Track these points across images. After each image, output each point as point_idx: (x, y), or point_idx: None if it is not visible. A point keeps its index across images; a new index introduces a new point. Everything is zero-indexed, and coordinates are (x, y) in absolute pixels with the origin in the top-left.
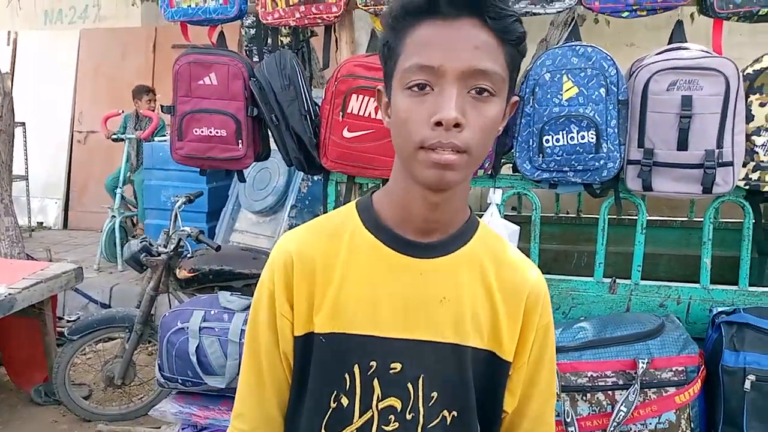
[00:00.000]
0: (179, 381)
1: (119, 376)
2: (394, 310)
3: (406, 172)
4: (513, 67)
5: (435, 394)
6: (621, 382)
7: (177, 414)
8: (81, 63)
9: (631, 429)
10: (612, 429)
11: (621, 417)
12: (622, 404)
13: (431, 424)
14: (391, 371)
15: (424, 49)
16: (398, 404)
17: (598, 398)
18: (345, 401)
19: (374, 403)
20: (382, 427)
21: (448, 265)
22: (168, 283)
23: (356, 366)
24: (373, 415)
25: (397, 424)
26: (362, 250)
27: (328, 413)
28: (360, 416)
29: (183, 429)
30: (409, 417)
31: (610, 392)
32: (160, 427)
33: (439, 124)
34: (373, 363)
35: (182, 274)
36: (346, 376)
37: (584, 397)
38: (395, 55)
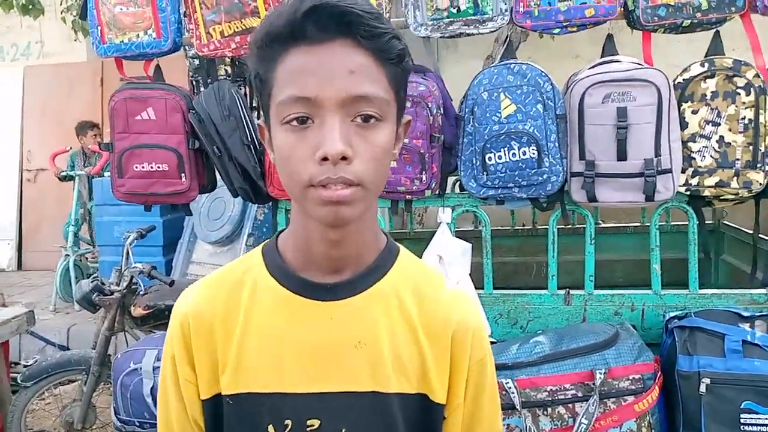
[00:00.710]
0: (136, 423)
1: (79, 420)
2: (302, 361)
3: (301, 210)
4: (398, 87)
5: None
6: (580, 394)
7: None
8: (26, 100)
9: None
10: None
11: (583, 429)
12: (582, 416)
13: None
14: (308, 429)
15: (296, 79)
16: None
17: (559, 412)
18: None
19: None
20: None
21: (361, 305)
22: (123, 321)
23: (270, 426)
24: None
25: None
26: (265, 299)
27: None
28: None
29: None
30: None
31: (570, 405)
32: None
33: (325, 159)
34: (288, 421)
35: (137, 311)
36: None
37: (545, 412)
38: (268, 87)
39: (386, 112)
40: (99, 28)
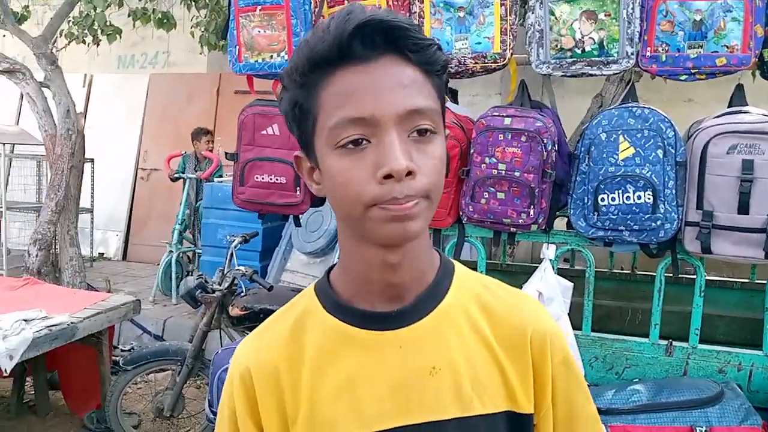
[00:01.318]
0: None
1: (169, 408)
2: (378, 397)
3: (357, 237)
4: (442, 97)
5: None
6: None
7: None
8: (149, 105)
9: None
10: None
11: None
12: None
13: None
14: None
15: (349, 101)
16: None
17: None
18: None
19: None
20: None
21: (429, 328)
22: (220, 319)
23: None
24: None
25: None
26: (329, 339)
27: None
28: None
29: None
30: None
31: None
32: None
33: (388, 176)
34: None
35: (234, 311)
36: None
37: None
38: (311, 115)
39: (438, 124)
40: (237, 47)
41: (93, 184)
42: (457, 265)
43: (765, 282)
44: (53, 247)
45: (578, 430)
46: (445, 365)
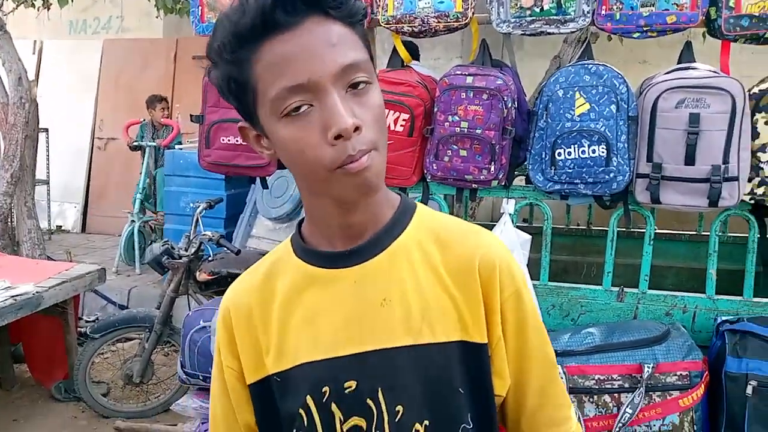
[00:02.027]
0: (200, 377)
1: (138, 374)
2: (334, 327)
3: (317, 193)
4: (368, 46)
5: (400, 408)
6: (627, 385)
7: (197, 409)
8: (103, 72)
9: (635, 430)
10: (617, 430)
11: (626, 418)
12: (627, 406)
13: None
14: (346, 391)
15: (284, 70)
16: (363, 423)
17: (604, 400)
18: None
19: (338, 427)
20: None
21: (382, 264)
22: (188, 285)
23: (308, 397)
24: None
25: None
26: (295, 279)
27: None
28: None
29: (202, 423)
30: None
31: (616, 395)
32: (176, 424)
33: (339, 137)
34: (326, 389)
35: (202, 276)
36: (301, 411)
37: (591, 399)
38: (249, 87)
39: (371, 72)
40: (200, 8)
41: (48, 155)
42: (420, 206)
43: (709, 234)
44: (10, 219)
45: (530, 368)
46: (396, 297)
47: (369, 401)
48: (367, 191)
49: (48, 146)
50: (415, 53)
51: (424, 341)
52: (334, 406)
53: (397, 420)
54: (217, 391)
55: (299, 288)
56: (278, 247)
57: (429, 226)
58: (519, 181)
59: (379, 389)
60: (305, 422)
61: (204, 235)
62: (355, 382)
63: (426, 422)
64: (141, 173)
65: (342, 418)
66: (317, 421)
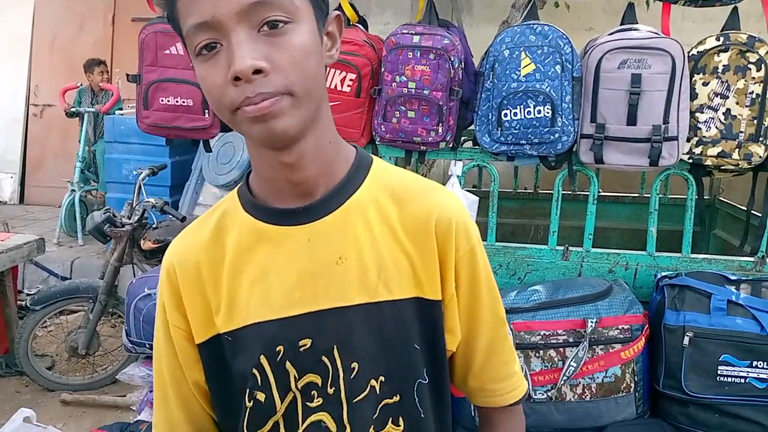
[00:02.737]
0: (147, 346)
1: (83, 346)
2: (287, 285)
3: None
4: None
5: (355, 365)
6: (571, 340)
7: (144, 377)
8: (36, 34)
9: (580, 382)
10: (562, 383)
11: (571, 371)
12: (572, 360)
13: (357, 398)
14: (301, 349)
15: (192, 6)
16: (318, 380)
17: (550, 355)
18: (261, 396)
19: (293, 384)
20: (307, 404)
21: (337, 221)
22: (132, 254)
23: (262, 357)
24: (295, 396)
25: (320, 400)
26: (245, 236)
27: (246, 414)
28: (281, 402)
29: (150, 392)
30: (330, 391)
31: (561, 349)
32: (125, 395)
33: (237, 78)
34: (280, 348)
35: (147, 245)
36: (254, 371)
37: (537, 354)
38: (177, 24)
39: (296, 13)
40: None
41: None
42: (377, 161)
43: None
44: None
45: (480, 324)
46: (352, 255)
47: (324, 359)
48: (274, 140)
49: None
50: (363, 25)
51: (379, 299)
52: (288, 364)
53: (352, 377)
54: (162, 351)
55: (249, 245)
56: (223, 199)
57: (385, 182)
58: (468, 144)
59: (335, 347)
60: (259, 381)
61: (147, 202)
62: (310, 341)
63: (381, 378)
64: (80, 141)
65: (297, 376)
66: (271, 379)
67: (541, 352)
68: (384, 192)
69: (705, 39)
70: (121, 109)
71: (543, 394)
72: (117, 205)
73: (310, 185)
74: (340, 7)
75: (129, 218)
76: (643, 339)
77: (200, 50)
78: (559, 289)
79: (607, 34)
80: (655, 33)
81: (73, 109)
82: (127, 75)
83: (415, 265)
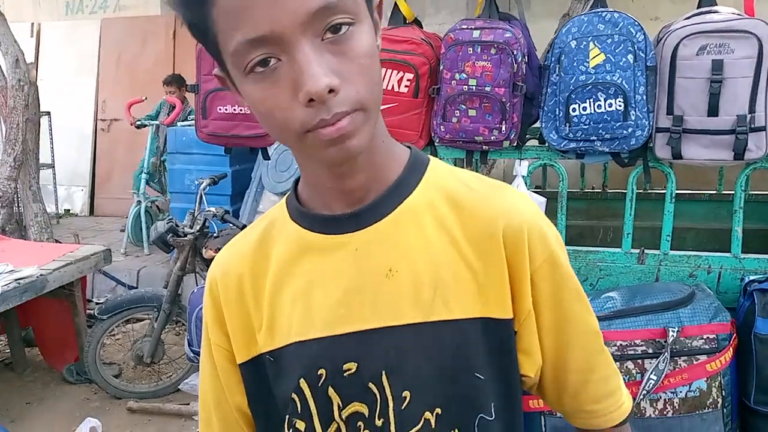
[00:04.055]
0: None
1: (148, 354)
2: (332, 301)
3: (302, 154)
4: None
5: (407, 394)
6: (651, 351)
7: None
8: (103, 52)
9: (661, 397)
10: (642, 397)
11: (651, 385)
12: (651, 372)
13: (410, 431)
14: (345, 374)
15: (241, 19)
16: (364, 409)
17: (627, 367)
18: (301, 425)
19: (336, 413)
20: None
21: (387, 229)
22: (194, 263)
23: (302, 380)
24: (339, 427)
25: None
26: (290, 246)
27: None
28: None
29: None
30: (379, 423)
31: (639, 361)
32: (189, 403)
33: (311, 100)
34: (322, 371)
35: (208, 253)
36: (294, 396)
37: None
38: (210, 36)
39: (356, 10)
40: None
41: (52, 139)
42: (434, 161)
43: (731, 192)
44: (16, 204)
45: (571, 340)
46: (404, 267)
47: (371, 385)
48: (349, 159)
49: (51, 130)
50: (418, 26)
51: (436, 318)
52: (331, 391)
53: (403, 407)
54: (206, 371)
55: (294, 256)
56: (273, 208)
57: (443, 184)
58: (532, 142)
59: (383, 372)
60: (299, 408)
61: (208, 211)
62: (356, 364)
63: (438, 410)
64: (146, 152)
65: (341, 404)
66: (312, 407)
67: (618, 363)
68: (442, 195)
69: None
70: (187, 120)
71: None
72: (180, 214)
73: (363, 191)
74: (396, 5)
75: (191, 227)
76: (731, 350)
77: (253, 67)
78: (636, 295)
79: (683, 18)
80: (738, 14)
81: (140, 122)
82: (186, 85)
83: (479, 279)
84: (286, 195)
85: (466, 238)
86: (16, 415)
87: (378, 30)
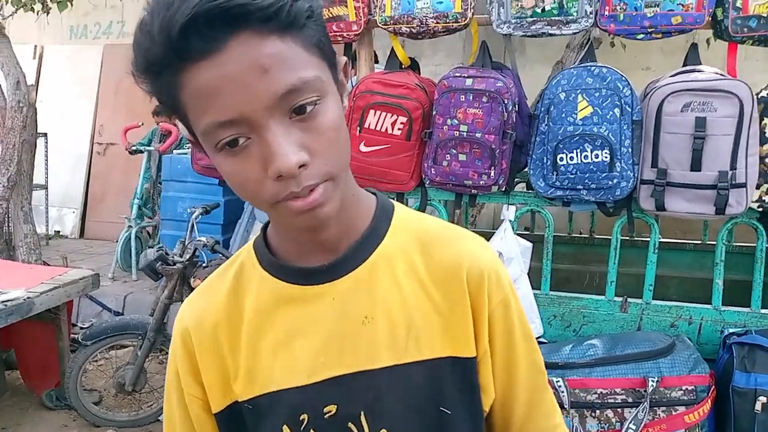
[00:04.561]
0: None
1: (130, 382)
2: (312, 350)
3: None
4: (320, 44)
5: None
6: (630, 400)
7: None
8: (103, 77)
9: None
10: None
11: None
12: (631, 422)
13: None
14: (326, 416)
15: (210, 104)
16: None
17: (607, 415)
18: None
19: None
20: None
21: (362, 278)
22: (182, 292)
23: (285, 426)
24: None
25: None
26: (265, 297)
27: None
28: None
29: None
30: None
31: (619, 410)
32: None
33: (281, 176)
34: (304, 416)
35: (196, 283)
36: None
37: (593, 414)
38: (180, 110)
39: (323, 87)
40: None
41: (47, 160)
42: (398, 207)
43: (715, 243)
44: (6, 224)
45: (519, 378)
46: (379, 313)
47: (351, 425)
48: (318, 227)
49: (47, 151)
50: (415, 67)
51: (409, 360)
52: None
53: None
54: (176, 421)
55: (270, 307)
56: (238, 253)
57: (411, 231)
58: (520, 187)
59: (362, 413)
60: None
61: (198, 240)
62: (335, 407)
63: None
64: (139, 178)
65: None
66: None
67: (598, 411)
68: (410, 241)
69: None
70: (183, 147)
71: None
72: (171, 241)
73: (335, 242)
74: (392, 50)
75: (181, 256)
76: (710, 402)
77: (223, 146)
78: (618, 344)
79: (668, 76)
80: (721, 74)
81: (134, 147)
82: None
83: (446, 320)
84: (254, 239)
85: (433, 280)
86: None
87: (344, 91)
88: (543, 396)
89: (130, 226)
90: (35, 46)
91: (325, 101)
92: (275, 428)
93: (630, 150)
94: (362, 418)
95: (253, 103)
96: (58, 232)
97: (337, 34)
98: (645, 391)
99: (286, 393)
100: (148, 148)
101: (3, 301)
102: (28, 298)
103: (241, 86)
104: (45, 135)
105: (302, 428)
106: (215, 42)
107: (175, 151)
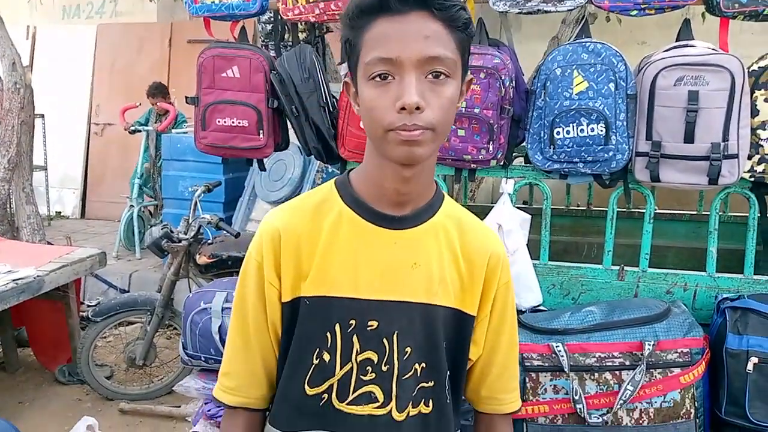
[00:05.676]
0: (202, 359)
1: (141, 357)
2: (372, 275)
3: (379, 152)
4: (463, 50)
5: (409, 349)
6: (628, 363)
7: (200, 390)
8: (98, 57)
9: (636, 407)
10: (618, 407)
11: (627, 395)
12: (628, 383)
13: (405, 376)
14: (368, 328)
15: (381, 44)
16: (375, 357)
17: (605, 377)
18: (327, 357)
19: (353, 356)
20: (361, 377)
21: (418, 235)
22: (188, 268)
23: (337, 325)
24: (352, 367)
25: (374, 375)
26: (343, 224)
27: (311, 369)
28: (341, 368)
29: (205, 404)
30: (384, 369)
31: (617, 372)
32: (180, 406)
33: (403, 108)
34: (353, 321)
35: (202, 259)
36: (328, 334)
37: (592, 377)
38: (356, 50)
39: (453, 71)
40: None
41: (45, 141)
42: (447, 197)
43: (709, 213)
44: (9, 205)
45: (501, 344)
46: (423, 263)
47: (385, 340)
48: (410, 161)
49: (44, 132)
50: None
51: (436, 302)
52: (355, 338)
53: (405, 358)
54: (249, 305)
55: (348, 234)
56: (320, 188)
57: (453, 215)
58: (519, 161)
59: (395, 332)
60: (328, 343)
61: (203, 218)
62: (377, 323)
63: (423, 364)
64: (139, 157)
65: (359, 350)
66: (338, 346)
67: (597, 374)
68: (451, 222)
69: (766, 54)
70: (180, 126)
71: (598, 418)
72: (174, 219)
73: (408, 199)
74: None
75: (185, 234)
76: (704, 363)
77: (374, 76)
78: (615, 310)
79: (662, 51)
80: (713, 49)
81: (133, 128)
82: (186, 97)
83: (464, 285)
84: (334, 180)
85: (462, 254)
86: (9, 414)
87: (462, 97)
88: (514, 363)
89: (131, 206)
90: (28, 27)
91: (453, 81)
92: (330, 324)
93: (625, 123)
94: (394, 336)
95: (409, 53)
96: (60, 212)
97: (336, 12)
98: (642, 354)
99: (345, 300)
100: (146, 128)
101: (14, 280)
102: (38, 276)
103: (407, 40)
104: (42, 116)
105: (349, 330)
106: (405, 7)
107: (173, 131)
